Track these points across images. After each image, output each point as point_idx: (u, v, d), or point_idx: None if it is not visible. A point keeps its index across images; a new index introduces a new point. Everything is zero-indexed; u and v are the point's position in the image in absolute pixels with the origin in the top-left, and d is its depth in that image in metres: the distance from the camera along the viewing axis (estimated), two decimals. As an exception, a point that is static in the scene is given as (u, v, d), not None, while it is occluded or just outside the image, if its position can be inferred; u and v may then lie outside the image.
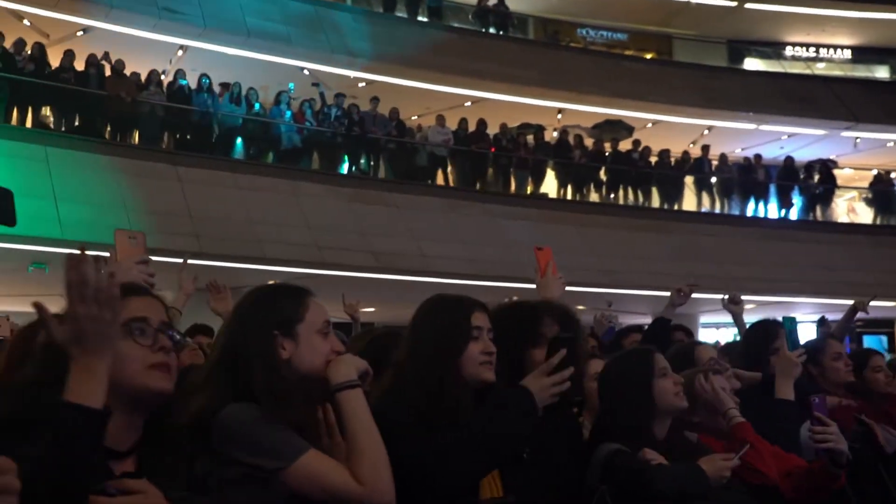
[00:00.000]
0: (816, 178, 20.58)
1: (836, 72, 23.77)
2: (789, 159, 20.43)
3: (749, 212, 19.83)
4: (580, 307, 11.51)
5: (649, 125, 20.43)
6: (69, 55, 14.63)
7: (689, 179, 19.70)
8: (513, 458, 2.54)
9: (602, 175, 18.84)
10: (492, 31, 20.49)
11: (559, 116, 20.20)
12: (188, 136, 15.71)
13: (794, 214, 20.08)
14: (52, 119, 14.86)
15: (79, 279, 1.67)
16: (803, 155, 21.21)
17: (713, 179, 19.98)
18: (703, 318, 17.11)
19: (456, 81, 18.27)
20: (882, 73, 24.85)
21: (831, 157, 21.77)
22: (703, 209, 19.60)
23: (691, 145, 21.00)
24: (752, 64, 24.02)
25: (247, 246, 13.46)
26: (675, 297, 4.90)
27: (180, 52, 16.91)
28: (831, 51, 24.69)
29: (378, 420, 2.14)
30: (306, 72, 17.66)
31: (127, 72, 15.03)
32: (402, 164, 17.17)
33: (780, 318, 4.22)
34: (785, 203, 19.95)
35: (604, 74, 19.86)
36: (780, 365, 3.80)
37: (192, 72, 15.73)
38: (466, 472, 2.42)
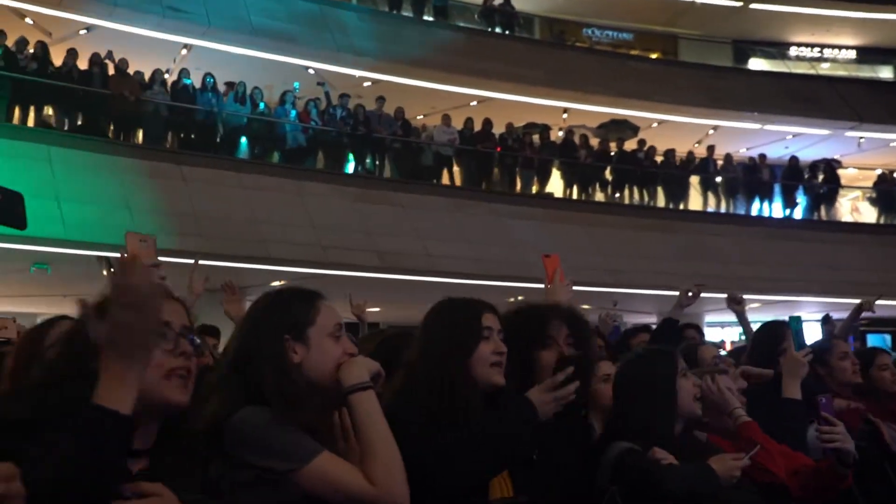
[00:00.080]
0: (821, 177, 20.61)
1: (841, 72, 23.76)
2: (794, 159, 20.47)
3: (754, 211, 19.83)
4: (586, 306, 11.49)
5: (655, 125, 20.41)
6: (72, 54, 14.58)
7: (694, 179, 19.71)
8: (521, 460, 2.55)
9: (607, 175, 18.81)
10: (497, 30, 20.46)
11: (565, 116, 20.18)
12: (192, 136, 15.64)
13: (798, 214, 20.11)
14: (54, 118, 14.80)
15: (125, 285, 1.66)
16: (808, 155, 21.20)
17: (718, 179, 19.98)
18: (709, 318, 17.09)
19: (461, 81, 18.23)
20: (886, 73, 24.86)
21: (835, 157, 21.72)
22: (709, 209, 19.61)
23: (696, 145, 21.02)
24: (756, 64, 24.01)
25: (251, 246, 13.41)
26: (683, 297, 4.92)
27: (184, 51, 16.87)
28: (836, 51, 24.66)
29: (389, 420, 2.14)
30: (311, 71, 17.59)
31: (130, 71, 15.00)
32: (408, 163, 17.12)
33: (786, 318, 4.23)
34: (789, 203, 19.98)
35: (609, 74, 19.85)
36: (787, 365, 3.81)
37: (196, 71, 15.68)
38: (467, 472, 2.42)
